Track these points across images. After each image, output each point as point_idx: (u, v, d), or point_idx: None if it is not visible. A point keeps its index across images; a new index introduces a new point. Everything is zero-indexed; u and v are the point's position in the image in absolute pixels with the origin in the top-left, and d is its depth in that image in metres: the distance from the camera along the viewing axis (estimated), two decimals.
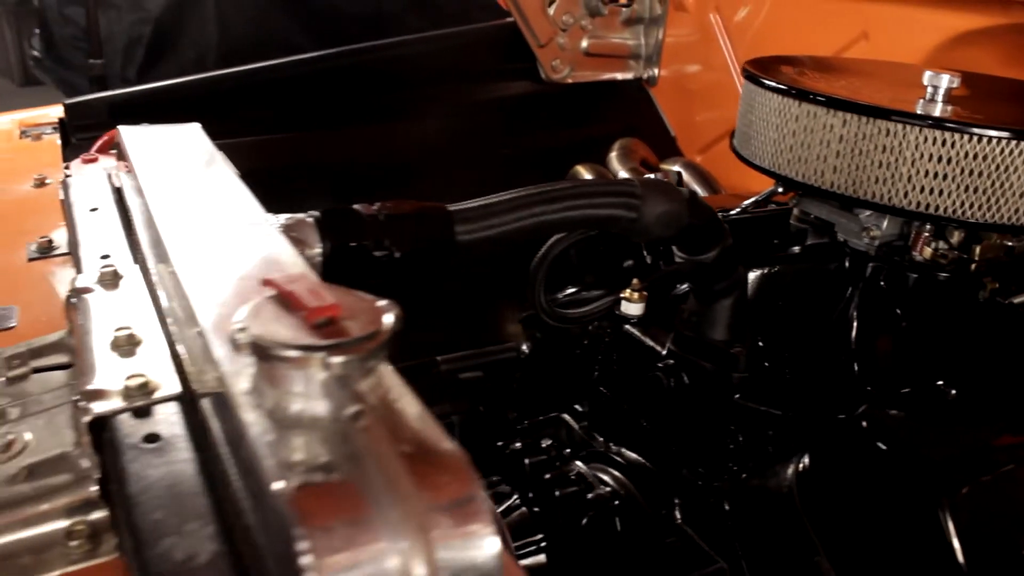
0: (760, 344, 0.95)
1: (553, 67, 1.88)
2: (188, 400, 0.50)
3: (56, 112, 1.56)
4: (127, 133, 0.92)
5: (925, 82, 0.95)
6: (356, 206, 0.71)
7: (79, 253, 0.71)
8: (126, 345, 0.55)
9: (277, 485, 0.33)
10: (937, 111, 0.91)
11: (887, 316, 0.94)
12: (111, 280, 0.63)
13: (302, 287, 0.41)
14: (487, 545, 0.32)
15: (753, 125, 1.02)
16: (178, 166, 0.81)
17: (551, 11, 1.83)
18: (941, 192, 0.86)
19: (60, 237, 0.90)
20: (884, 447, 0.74)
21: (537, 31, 1.83)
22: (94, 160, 1.02)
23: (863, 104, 0.89)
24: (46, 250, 0.88)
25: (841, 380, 0.90)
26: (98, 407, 0.49)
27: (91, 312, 0.59)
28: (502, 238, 0.75)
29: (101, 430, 0.49)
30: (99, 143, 1.09)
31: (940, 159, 0.85)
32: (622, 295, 0.98)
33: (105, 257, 0.68)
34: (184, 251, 0.57)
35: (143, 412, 0.49)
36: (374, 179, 1.65)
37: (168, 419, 0.49)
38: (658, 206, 0.81)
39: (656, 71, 1.96)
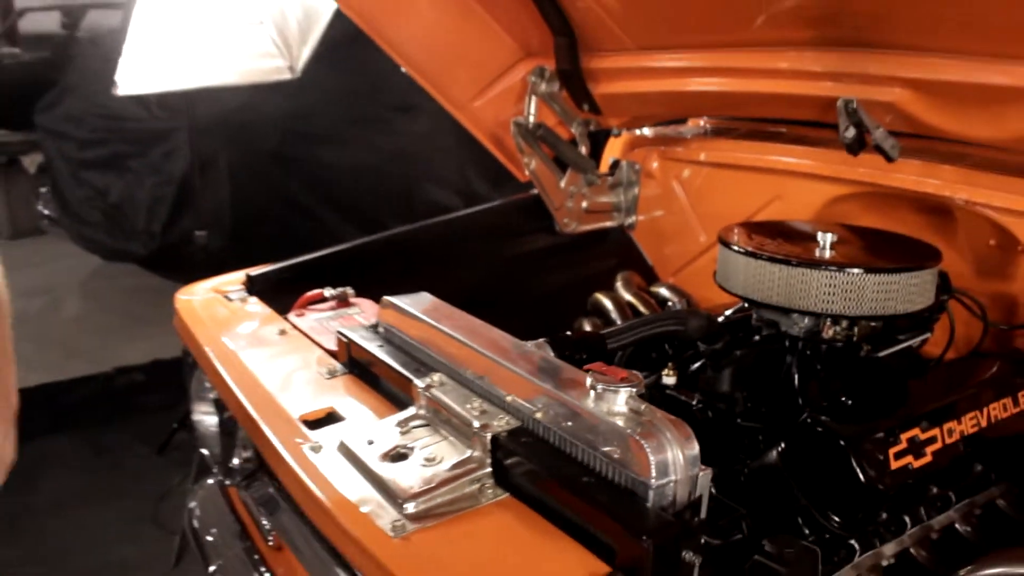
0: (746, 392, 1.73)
1: (565, 223, 2.70)
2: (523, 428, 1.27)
3: (236, 277, 2.28)
4: (393, 300, 1.68)
5: (819, 238, 1.76)
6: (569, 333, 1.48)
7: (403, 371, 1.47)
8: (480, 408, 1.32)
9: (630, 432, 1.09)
10: (827, 256, 1.71)
11: (811, 370, 1.72)
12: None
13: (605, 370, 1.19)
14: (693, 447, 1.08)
15: (728, 269, 1.81)
16: (439, 314, 1.58)
17: (562, 184, 2.65)
18: (833, 300, 1.66)
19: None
20: (820, 430, 1.50)
21: (553, 199, 2.65)
22: (302, 313, 1.80)
23: (787, 259, 1.69)
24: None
25: (790, 406, 1.67)
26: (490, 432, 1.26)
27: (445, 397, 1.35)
28: (624, 346, 1.53)
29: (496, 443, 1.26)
30: (304, 299, 1.87)
31: (830, 284, 1.65)
32: (663, 372, 1.75)
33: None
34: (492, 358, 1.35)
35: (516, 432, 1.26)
36: None
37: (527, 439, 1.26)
38: (693, 322, 1.59)
39: (634, 219, 2.79)
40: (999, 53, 1.62)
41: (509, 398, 1.35)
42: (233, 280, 2.24)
